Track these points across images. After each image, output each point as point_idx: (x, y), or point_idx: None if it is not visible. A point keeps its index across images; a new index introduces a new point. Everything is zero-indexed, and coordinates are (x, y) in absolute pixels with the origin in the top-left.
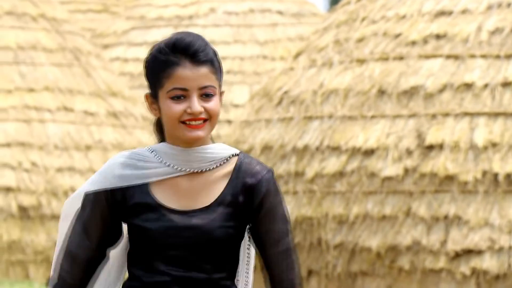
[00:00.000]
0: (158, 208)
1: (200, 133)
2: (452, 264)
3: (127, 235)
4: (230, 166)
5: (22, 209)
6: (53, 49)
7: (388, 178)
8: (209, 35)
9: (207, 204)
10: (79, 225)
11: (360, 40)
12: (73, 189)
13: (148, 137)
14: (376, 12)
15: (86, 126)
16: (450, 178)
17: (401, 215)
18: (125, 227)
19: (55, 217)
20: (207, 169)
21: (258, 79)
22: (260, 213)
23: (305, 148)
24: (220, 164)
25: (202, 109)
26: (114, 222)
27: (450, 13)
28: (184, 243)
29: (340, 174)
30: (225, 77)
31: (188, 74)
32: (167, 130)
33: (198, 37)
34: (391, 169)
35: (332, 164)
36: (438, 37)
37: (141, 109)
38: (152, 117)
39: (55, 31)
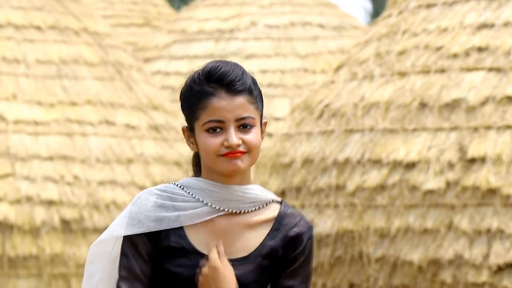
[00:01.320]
0: (192, 253)
1: (239, 163)
2: (495, 278)
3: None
4: (270, 213)
5: (64, 223)
6: (95, 63)
7: (430, 192)
8: (249, 48)
9: (245, 254)
10: (125, 272)
11: (402, 53)
12: (114, 202)
13: (189, 150)
14: (417, 25)
15: (127, 139)
16: (492, 191)
17: (443, 228)
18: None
19: (97, 230)
20: (247, 211)
21: (299, 92)
22: (289, 268)
23: (346, 161)
24: (260, 208)
25: (240, 142)
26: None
27: (492, 25)
28: None
29: (381, 187)
30: (265, 90)
31: (223, 105)
32: (205, 164)
33: (235, 65)
34: (432, 182)
35: (373, 177)
36: (480, 49)
37: (183, 122)
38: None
39: (97, 45)
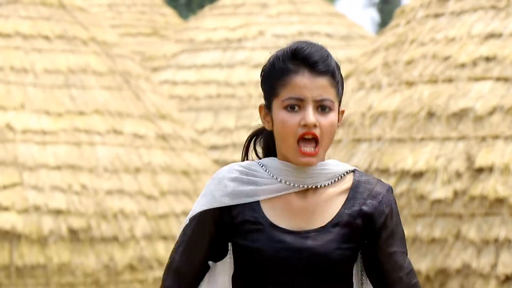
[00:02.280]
0: (269, 228)
1: (312, 160)
2: (503, 287)
3: (230, 257)
4: (346, 184)
5: (72, 232)
6: (103, 73)
7: (438, 201)
8: (257, 58)
9: (322, 225)
10: (185, 245)
11: (409, 62)
12: (122, 212)
13: (197, 160)
14: (425, 35)
15: (135, 148)
16: (500, 201)
17: (450, 238)
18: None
19: (105, 240)
20: (322, 185)
21: None
22: (382, 237)
23: None
24: (335, 181)
25: (317, 123)
26: (220, 242)
27: (500, 35)
28: (298, 266)
29: None
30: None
31: (305, 83)
32: (279, 146)
33: (321, 47)
34: (440, 192)
35: None
36: (487, 59)
37: (190, 132)
38: (203, 143)
39: (105, 55)
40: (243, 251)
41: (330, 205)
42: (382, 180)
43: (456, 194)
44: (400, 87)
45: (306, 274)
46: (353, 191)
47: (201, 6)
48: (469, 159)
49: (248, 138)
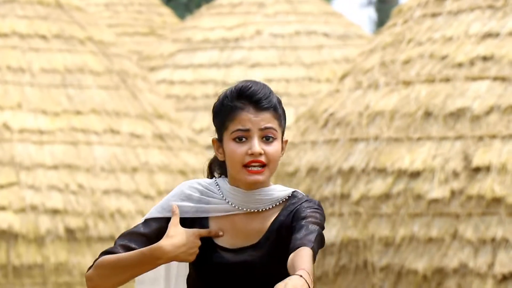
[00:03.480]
0: (212, 244)
1: (259, 177)
2: (500, 287)
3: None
4: (281, 205)
5: (69, 231)
6: (100, 72)
7: (435, 200)
8: (254, 57)
9: (255, 242)
10: (130, 232)
11: (406, 62)
12: (119, 211)
13: (194, 159)
14: (422, 34)
15: (132, 148)
16: (497, 201)
17: (447, 237)
18: None
19: (102, 239)
20: (263, 209)
21: (304, 101)
22: (296, 226)
23: (351, 170)
24: (276, 205)
25: (262, 151)
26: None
27: (497, 35)
28: (235, 278)
29: (386, 196)
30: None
31: (250, 117)
32: (230, 172)
33: (264, 86)
34: (437, 191)
35: (378, 186)
36: (485, 59)
37: (187, 131)
38: (201, 142)
39: (102, 54)
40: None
41: (266, 224)
42: (380, 179)
43: (453, 193)
44: (397, 87)
45: (242, 284)
46: (283, 209)
47: (199, 5)
48: (466, 158)
49: (208, 163)
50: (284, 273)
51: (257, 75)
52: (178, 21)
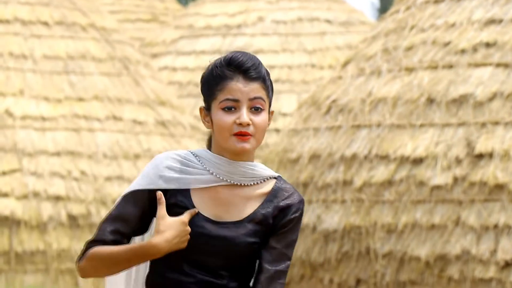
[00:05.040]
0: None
1: (246, 145)
2: (502, 273)
3: (152, 234)
4: (267, 187)
5: (72, 218)
6: (102, 59)
7: (437, 187)
8: (257, 44)
9: (239, 219)
10: (116, 215)
11: (409, 48)
12: None
13: (196, 146)
14: (425, 21)
15: (134, 135)
16: (500, 187)
17: (450, 224)
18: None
19: None
20: (247, 184)
21: (306, 88)
22: (276, 232)
23: (354, 156)
24: (259, 183)
25: (250, 122)
26: (149, 218)
27: (500, 21)
28: (212, 251)
29: (388, 183)
30: (273, 85)
31: (240, 87)
32: (216, 140)
33: (253, 56)
34: (440, 178)
35: (381, 172)
36: (488, 45)
37: (189, 118)
38: (204, 129)
39: (104, 41)
40: None
41: (250, 203)
42: (383, 166)
43: (455, 180)
44: (400, 73)
45: (217, 258)
46: (272, 195)
47: None
48: (469, 145)
49: (208, 140)
50: (255, 262)
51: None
52: (180, 7)
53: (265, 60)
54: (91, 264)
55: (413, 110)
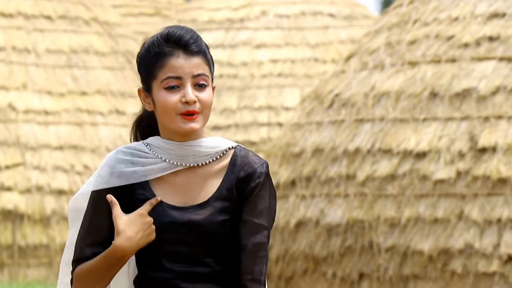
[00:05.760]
0: (157, 204)
1: (194, 125)
2: (505, 267)
3: None
4: (226, 160)
5: None
6: (105, 53)
7: (440, 181)
8: (260, 38)
9: (204, 200)
10: (87, 228)
11: (412, 42)
12: None
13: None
14: (428, 14)
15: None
16: (503, 181)
17: (453, 218)
18: None
19: None
20: (203, 163)
21: (309, 82)
22: (245, 203)
23: (357, 151)
24: (217, 158)
25: (196, 99)
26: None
27: (503, 15)
28: (184, 239)
29: (391, 177)
30: (276, 80)
31: (181, 63)
32: (161, 123)
33: (191, 30)
34: (443, 172)
35: (384, 167)
36: (491, 39)
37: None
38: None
39: (107, 35)
40: None
41: (211, 181)
42: (386, 160)
43: (459, 174)
44: (403, 67)
45: (192, 246)
46: (231, 165)
47: None
48: (472, 139)
49: (133, 124)
50: (230, 241)
51: (262, 56)
52: (183, 1)
53: (268, 54)
54: (80, 286)
55: (416, 104)
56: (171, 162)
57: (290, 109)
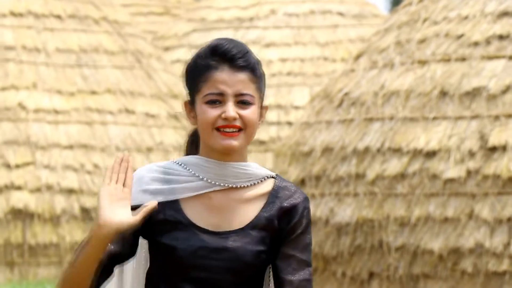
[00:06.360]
0: (188, 226)
1: (233, 142)
2: None
3: (146, 253)
4: (266, 188)
5: (84, 211)
6: (115, 52)
7: (450, 180)
8: (269, 36)
9: (241, 226)
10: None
11: (422, 41)
12: None
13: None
14: (438, 13)
15: (147, 128)
16: None
17: (463, 217)
18: (143, 244)
19: None
20: (243, 185)
21: (319, 81)
22: (287, 239)
23: (366, 150)
24: (256, 183)
25: (237, 116)
26: (133, 240)
27: None
28: (214, 266)
29: (401, 176)
30: (285, 78)
31: (225, 78)
32: (202, 139)
33: (241, 44)
34: (453, 171)
35: (393, 166)
36: (501, 37)
37: None
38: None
39: (117, 34)
40: (160, 248)
41: (250, 207)
42: (396, 159)
43: (469, 173)
44: (413, 66)
45: (221, 274)
46: (273, 195)
47: None
48: (482, 138)
49: (187, 139)
50: (263, 273)
51: (271, 55)
52: (192, 0)
53: (277, 53)
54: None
55: (426, 103)
56: (209, 181)
57: (300, 108)
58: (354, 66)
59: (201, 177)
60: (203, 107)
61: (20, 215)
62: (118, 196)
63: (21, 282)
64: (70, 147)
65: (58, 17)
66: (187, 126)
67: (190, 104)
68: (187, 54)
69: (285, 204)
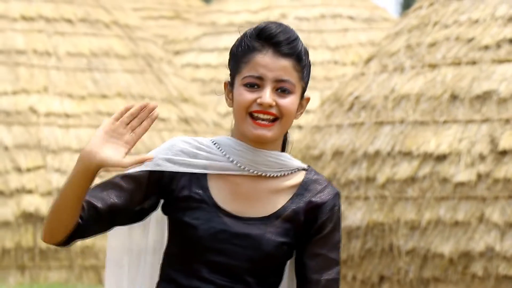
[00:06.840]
0: (212, 207)
1: (266, 132)
2: None
3: (167, 231)
4: (296, 179)
5: None
6: (125, 56)
7: (461, 184)
8: None
9: (266, 214)
10: (113, 183)
11: (432, 45)
12: None
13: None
14: (448, 17)
15: (157, 131)
16: None
17: (474, 221)
18: (160, 219)
19: None
20: (273, 175)
21: (329, 85)
22: (316, 236)
23: (377, 153)
24: (286, 174)
25: (274, 103)
26: (141, 200)
27: None
28: (232, 251)
29: (412, 180)
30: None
31: (267, 62)
32: (235, 122)
33: (290, 30)
34: (463, 175)
35: (404, 169)
36: (511, 41)
37: (212, 115)
38: (228, 126)
39: (127, 38)
40: (180, 226)
41: (277, 197)
42: (406, 163)
43: (479, 177)
44: (423, 70)
45: (239, 260)
46: (303, 188)
47: None
48: (493, 141)
49: None
50: (285, 264)
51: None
52: (203, 4)
53: None
54: (45, 221)
55: (436, 107)
56: (239, 165)
57: (310, 112)
58: (365, 70)
59: (231, 159)
60: (240, 89)
61: (31, 218)
62: (120, 137)
63: (32, 286)
64: (81, 150)
65: (69, 21)
66: (198, 130)
67: (230, 85)
68: (197, 58)
69: (314, 199)
